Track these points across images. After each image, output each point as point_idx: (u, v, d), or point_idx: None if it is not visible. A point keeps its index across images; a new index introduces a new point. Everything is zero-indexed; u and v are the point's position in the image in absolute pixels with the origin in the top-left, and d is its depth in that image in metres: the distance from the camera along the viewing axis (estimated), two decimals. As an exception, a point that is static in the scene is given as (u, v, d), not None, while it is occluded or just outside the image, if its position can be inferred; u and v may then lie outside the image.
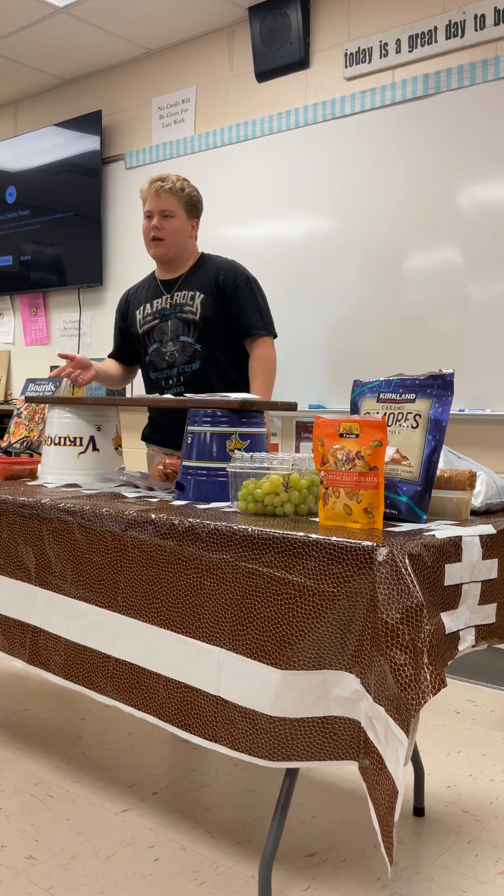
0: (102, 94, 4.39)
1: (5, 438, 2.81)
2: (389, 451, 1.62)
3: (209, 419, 1.90)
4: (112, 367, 2.90)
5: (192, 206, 2.73)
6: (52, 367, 4.62)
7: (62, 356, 2.66)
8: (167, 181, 2.67)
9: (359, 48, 3.38)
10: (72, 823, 1.95)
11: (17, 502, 1.94)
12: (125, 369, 2.95)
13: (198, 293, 2.66)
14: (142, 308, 2.77)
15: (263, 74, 3.68)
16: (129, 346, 2.86)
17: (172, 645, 1.62)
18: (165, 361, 2.68)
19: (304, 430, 3.61)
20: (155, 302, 2.74)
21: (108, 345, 4.37)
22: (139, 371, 2.92)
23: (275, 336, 2.71)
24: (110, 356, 2.97)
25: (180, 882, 1.71)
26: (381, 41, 3.31)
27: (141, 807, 2.04)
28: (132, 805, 2.05)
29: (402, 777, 1.30)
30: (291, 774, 1.56)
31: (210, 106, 3.93)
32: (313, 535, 1.44)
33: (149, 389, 2.79)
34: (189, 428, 1.94)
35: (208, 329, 2.63)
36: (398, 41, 3.26)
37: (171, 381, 2.68)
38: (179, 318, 2.67)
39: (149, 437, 2.82)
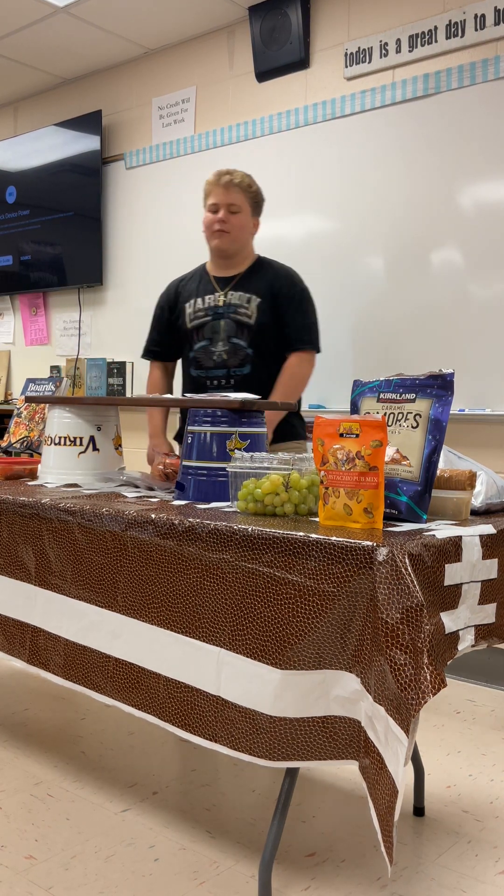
0: (102, 93, 4.39)
1: (5, 438, 2.81)
2: (389, 451, 1.62)
3: (209, 419, 1.90)
4: (161, 384, 2.85)
5: (257, 203, 2.71)
6: (52, 367, 4.62)
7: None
8: (235, 175, 2.64)
9: (359, 48, 3.38)
10: (72, 823, 1.95)
11: (17, 502, 1.94)
12: (169, 373, 2.89)
13: (254, 297, 2.62)
14: (192, 302, 2.71)
15: (263, 74, 3.68)
16: (171, 341, 2.80)
17: (172, 645, 1.62)
18: (213, 361, 2.64)
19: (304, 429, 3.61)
20: (207, 298, 2.69)
21: (108, 345, 4.39)
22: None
23: (318, 351, 2.68)
24: (149, 354, 2.88)
25: (180, 882, 1.71)
26: (381, 41, 3.31)
27: (141, 806, 2.04)
28: (132, 805, 2.05)
29: (403, 777, 1.30)
30: (291, 774, 1.56)
31: (210, 106, 3.93)
32: (313, 535, 1.44)
33: (188, 386, 2.74)
34: (189, 428, 1.94)
35: (262, 334, 2.60)
36: (398, 41, 3.26)
37: (217, 382, 2.64)
38: (233, 319, 2.63)
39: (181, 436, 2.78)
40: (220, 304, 2.65)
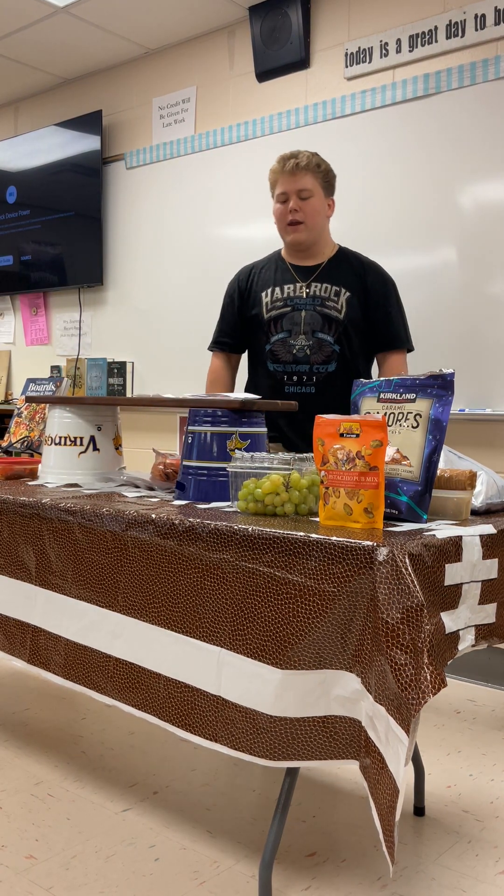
0: (103, 93, 4.39)
1: (6, 438, 2.81)
2: (390, 451, 1.62)
3: (209, 419, 1.90)
4: (224, 376, 2.67)
5: (329, 182, 2.48)
6: (53, 367, 4.62)
7: None
8: (301, 157, 2.40)
9: (359, 48, 3.38)
10: (72, 823, 1.95)
11: (18, 502, 1.94)
12: (232, 366, 2.69)
13: (343, 290, 2.43)
14: (269, 291, 2.51)
15: (264, 74, 3.68)
16: (241, 332, 2.60)
17: (173, 644, 1.63)
18: (292, 355, 2.46)
19: (304, 429, 3.61)
20: (286, 287, 2.49)
21: (109, 344, 4.40)
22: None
23: (411, 349, 2.52)
24: (218, 346, 2.70)
25: (181, 881, 1.71)
26: (381, 41, 3.31)
27: (141, 806, 2.04)
28: (132, 804, 2.05)
29: (403, 776, 1.30)
30: (292, 774, 1.56)
31: (210, 106, 3.93)
32: (314, 535, 1.44)
33: (263, 381, 2.55)
34: (189, 427, 1.94)
35: (351, 330, 2.42)
36: (398, 41, 3.26)
37: (298, 379, 2.46)
38: (319, 312, 2.43)
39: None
40: (303, 295, 2.45)
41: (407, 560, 1.35)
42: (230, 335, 2.66)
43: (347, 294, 2.42)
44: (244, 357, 2.74)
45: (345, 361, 2.45)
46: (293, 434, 2.51)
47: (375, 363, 2.61)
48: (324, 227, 2.48)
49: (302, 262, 2.49)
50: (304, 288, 2.45)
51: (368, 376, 2.47)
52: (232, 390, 2.72)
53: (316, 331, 2.42)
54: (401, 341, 2.48)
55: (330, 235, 2.54)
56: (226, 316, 2.67)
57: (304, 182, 2.40)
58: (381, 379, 1.75)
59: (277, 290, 2.49)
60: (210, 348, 2.74)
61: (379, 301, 2.46)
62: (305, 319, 2.43)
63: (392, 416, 1.67)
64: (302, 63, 3.55)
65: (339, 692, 1.43)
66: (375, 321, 2.44)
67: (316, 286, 2.43)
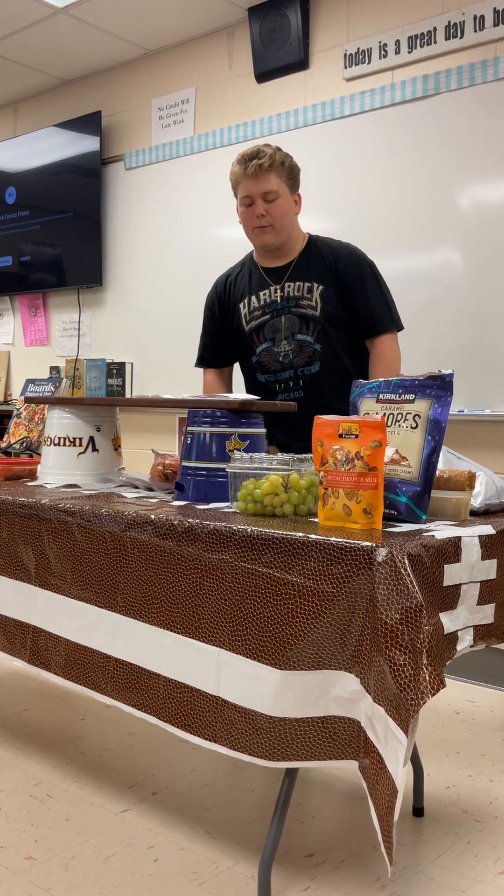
0: (102, 94, 4.39)
1: (5, 439, 2.81)
2: (389, 452, 1.63)
3: (208, 419, 1.90)
4: (217, 389, 2.58)
5: (294, 178, 2.35)
6: (52, 368, 4.62)
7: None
8: (264, 157, 2.27)
9: (358, 49, 3.38)
10: (71, 824, 1.95)
11: (17, 503, 1.94)
12: (224, 378, 2.61)
13: (315, 284, 2.31)
14: (246, 301, 2.41)
15: (263, 75, 3.68)
16: (226, 346, 2.52)
17: (172, 645, 1.63)
18: (278, 363, 2.37)
19: (303, 430, 3.61)
20: (261, 294, 2.39)
21: (108, 345, 4.40)
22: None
23: (401, 329, 2.37)
24: (202, 362, 2.63)
25: (180, 882, 1.71)
26: (380, 42, 3.32)
27: (140, 807, 2.04)
28: (132, 805, 2.05)
29: (402, 777, 1.30)
30: (291, 774, 1.56)
31: (210, 106, 3.93)
32: (313, 536, 1.44)
33: (258, 393, 2.48)
34: (188, 428, 1.94)
35: (330, 326, 2.31)
36: (397, 42, 3.27)
37: (285, 385, 2.38)
38: (295, 314, 2.34)
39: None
40: (278, 299, 2.35)
41: (406, 561, 1.36)
42: (214, 350, 2.58)
43: (321, 288, 2.30)
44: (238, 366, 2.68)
45: (328, 359, 2.34)
46: (291, 441, 2.43)
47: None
48: (293, 225, 2.36)
49: (273, 264, 2.39)
50: (277, 291, 2.35)
51: (360, 371, 2.38)
52: (225, 388, 2.67)
53: (295, 333, 2.33)
54: (385, 324, 2.32)
55: (299, 228, 2.41)
56: (208, 329, 2.58)
57: (269, 184, 2.28)
58: (381, 380, 1.75)
59: (254, 298, 2.41)
60: (197, 364, 2.67)
61: (354, 285, 2.31)
62: (285, 324, 2.34)
63: (391, 416, 1.67)
64: (301, 64, 3.55)
65: (338, 693, 1.43)
66: (354, 308, 2.31)
67: (289, 286, 2.33)
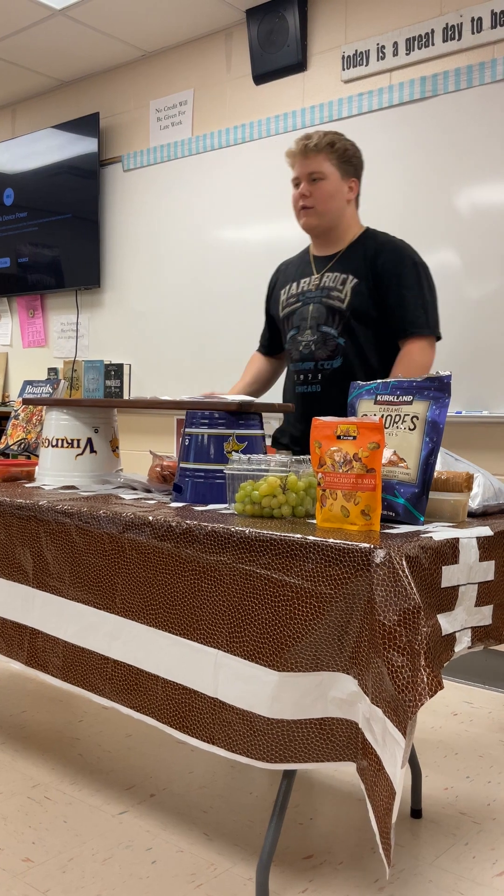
0: (100, 96, 4.39)
1: (3, 440, 2.81)
2: (387, 453, 1.63)
3: (206, 421, 1.90)
4: (257, 372, 2.54)
5: (347, 161, 2.28)
6: (50, 369, 4.62)
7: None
8: (313, 138, 2.24)
9: (356, 51, 3.39)
10: (69, 826, 1.95)
11: (15, 504, 1.94)
12: (272, 364, 2.57)
13: (350, 277, 2.24)
14: (287, 287, 2.40)
15: (261, 77, 3.68)
16: (275, 331, 2.50)
17: (170, 647, 1.63)
18: (299, 352, 2.33)
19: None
20: (302, 281, 2.35)
21: (106, 347, 4.40)
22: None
23: (438, 337, 2.27)
24: (260, 349, 2.62)
25: (178, 884, 1.71)
26: (378, 44, 3.32)
27: (138, 809, 2.04)
28: (130, 807, 2.04)
29: (400, 778, 1.30)
30: (289, 776, 1.56)
31: (208, 108, 3.94)
32: (311, 537, 1.44)
33: (287, 382, 2.45)
34: (186, 429, 1.94)
35: (357, 321, 2.22)
36: (395, 44, 3.27)
37: (304, 377, 2.33)
38: (324, 304, 2.27)
39: (278, 440, 2.51)
40: (313, 287, 2.30)
41: (404, 562, 1.36)
42: (265, 336, 2.57)
43: (355, 281, 2.23)
44: None
45: (351, 355, 2.26)
46: (304, 437, 2.38)
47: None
48: (341, 211, 2.29)
49: (321, 252, 2.34)
50: (315, 280, 2.30)
51: (386, 373, 2.28)
52: (262, 380, 2.58)
53: (321, 324, 2.27)
54: (417, 326, 2.21)
55: (354, 217, 2.34)
56: (266, 317, 2.57)
57: (315, 164, 2.24)
58: (379, 381, 1.75)
59: (294, 285, 2.37)
60: (257, 350, 2.66)
61: (391, 282, 2.22)
62: (312, 313, 2.29)
63: (389, 418, 1.67)
64: (299, 66, 3.56)
65: (335, 694, 1.43)
66: (387, 306, 2.21)
67: (327, 276, 2.27)
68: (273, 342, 2.55)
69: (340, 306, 2.24)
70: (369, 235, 2.33)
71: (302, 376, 2.32)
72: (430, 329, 2.23)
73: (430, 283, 2.28)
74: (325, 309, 2.27)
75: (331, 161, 2.25)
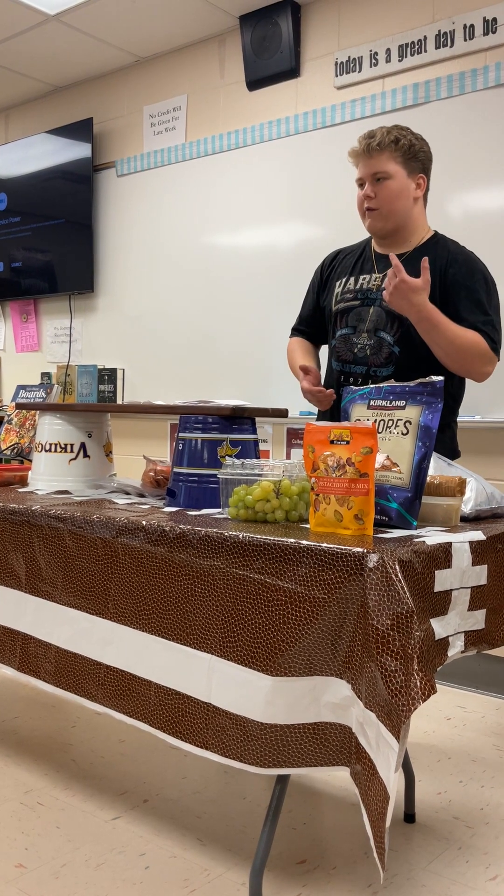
0: (94, 101, 4.40)
1: (-4, 445, 2.81)
2: (380, 458, 1.63)
3: (200, 425, 1.91)
4: (302, 348, 2.41)
5: (413, 157, 2.19)
6: (43, 374, 4.62)
7: (304, 368, 2.20)
8: (376, 135, 2.15)
9: (349, 57, 3.40)
10: (62, 831, 1.94)
11: (8, 509, 1.94)
12: (317, 354, 2.45)
13: None
14: (344, 280, 2.29)
15: (254, 83, 3.70)
16: (320, 320, 2.39)
17: (163, 652, 1.62)
18: (353, 354, 2.22)
19: (294, 436, 3.62)
20: (362, 278, 2.25)
21: (99, 351, 4.40)
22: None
23: (498, 356, 2.14)
24: (296, 331, 2.49)
25: (171, 890, 1.71)
26: (371, 50, 3.34)
27: (131, 814, 2.03)
28: (123, 812, 2.04)
29: (394, 783, 1.30)
30: (282, 781, 1.56)
31: (201, 114, 3.94)
32: (304, 542, 1.44)
33: (328, 378, 2.34)
34: (180, 434, 1.94)
35: (415, 330, 2.10)
36: (388, 50, 3.28)
37: (353, 381, 2.23)
38: (384, 308, 2.17)
39: None
40: (374, 287, 2.20)
41: (397, 566, 1.36)
42: (307, 323, 2.45)
43: None
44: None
45: (405, 366, 2.16)
46: None
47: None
48: (407, 211, 2.20)
49: (387, 250, 2.23)
50: (377, 279, 2.19)
51: (446, 384, 2.15)
52: (312, 354, 2.45)
53: (379, 329, 2.17)
54: (484, 335, 2.10)
55: (423, 218, 2.27)
56: (306, 302, 2.45)
57: (379, 164, 2.15)
58: (371, 386, 1.76)
59: (352, 280, 2.26)
60: (291, 335, 2.52)
61: (460, 293, 2.13)
62: (371, 316, 2.19)
63: (382, 422, 1.68)
64: (292, 72, 3.57)
65: (329, 699, 1.43)
66: (453, 317, 2.09)
67: (387, 280, 2.11)
68: (319, 333, 2.43)
69: (401, 313, 2.12)
70: (440, 241, 2.25)
71: (351, 379, 2.25)
72: (493, 344, 2.12)
73: (497, 303, 2.19)
74: (384, 313, 2.18)
75: (395, 159, 2.16)
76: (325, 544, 1.42)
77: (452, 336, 2.07)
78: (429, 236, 2.26)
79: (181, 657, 1.59)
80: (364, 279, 2.25)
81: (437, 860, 1.84)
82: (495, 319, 2.16)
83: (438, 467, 1.80)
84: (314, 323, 2.43)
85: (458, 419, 2.35)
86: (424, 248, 2.21)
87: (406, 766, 2.05)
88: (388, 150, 2.16)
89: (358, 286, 2.25)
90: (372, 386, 1.75)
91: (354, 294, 2.25)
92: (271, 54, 3.59)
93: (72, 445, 2.21)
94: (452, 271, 2.16)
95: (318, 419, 2.42)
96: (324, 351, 2.49)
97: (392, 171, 2.16)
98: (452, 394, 2.25)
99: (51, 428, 2.22)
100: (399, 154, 2.16)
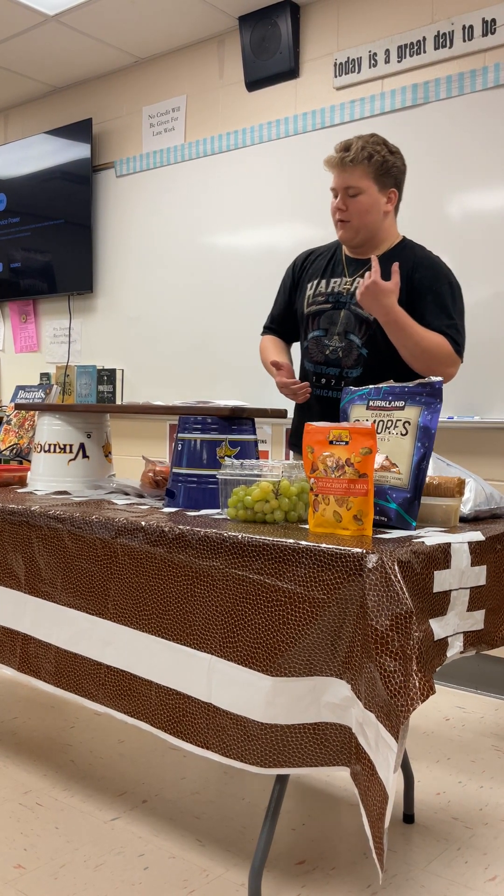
0: (93, 102, 4.40)
1: (-5, 445, 2.81)
2: (379, 459, 1.63)
3: (199, 426, 1.91)
4: (275, 344, 2.47)
5: (385, 172, 2.24)
6: (43, 374, 4.62)
7: (275, 364, 2.27)
8: (351, 150, 2.20)
9: (348, 58, 3.40)
10: (61, 832, 1.94)
11: (7, 509, 1.94)
12: (288, 348, 2.50)
13: None
14: (316, 282, 2.35)
15: (253, 83, 3.70)
16: (291, 319, 2.46)
17: (163, 652, 1.62)
18: (324, 356, 2.30)
19: (293, 437, 3.62)
20: (332, 281, 2.32)
21: (99, 352, 4.40)
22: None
23: (461, 359, 2.25)
24: (267, 329, 2.56)
25: (170, 890, 1.71)
26: (370, 51, 3.34)
27: (131, 815, 2.03)
28: (122, 813, 2.04)
29: (393, 783, 1.30)
30: (281, 781, 1.56)
31: (200, 114, 3.95)
32: (303, 542, 1.44)
33: (301, 378, 2.40)
34: (179, 435, 1.94)
35: (382, 334, 2.20)
36: (387, 51, 3.29)
37: (326, 382, 2.31)
38: (353, 312, 2.25)
39: (292, 443, 2.50)
40: (345, 291, 2.27)
41: (396, 567, 1.36)
42: (279, 322, 2.51)
43: None
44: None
45: (373, 367, 2.25)
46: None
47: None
48: (378, 224, 2.27)
49: (356, 255, 2.32)
50: (347, 283, 2.27)
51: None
52: (285, 350, 2.50)
53: (349, 332, 2.25)
54: (448, 338, 2.20)
55: (393, 227, 2.33)
56: (278, 301, 2.52)
57: (352, 178, 2.21)
58: (370, 387, 1.76)
59: (323, 283, 2.33)
60: (262, 333, 2.59)
61: (426, 297, 2.21)
62: (342, 319, 2.27)
63: (381, 423, 1.68)
64: (291, 73, 3.57)
65: (329, 699, 1.43)
66: (420, 321, 2.18)
67: (360, 281, 2.22)
68: (291, 331, 2.49)
69: (368, 316, 2.22)
70: (407, 247, 2.32)
71: (324, 380, 2.32)
72: (458, 347, 2.22)
73: (462, 308, 2.28)
74: (353, 317, 2.26)
75: (368, 175, 2.22)
76: (324, 545, 1.42)
77: (419, 338, 2.16)
78: (397, 242, 2.33)
79: (181, 657, 1.59)
80: (335, 282, 2.32)
81: (436, 861, 1.84)
82: (459, 323, 2.24)
83: (437, 468, 1.80)
84: (285, 321, 2.50)
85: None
86: (392, 253, 2.29)
87: (405, 767, 2.06)
88: (362, 166, 2.21)
89: (329, 289, 2.32)
90: (371, 387, 1.76)
91: (326, 297, 2.32)
92: (270, 55, 3.60)
93: (71, 446, 2.21)
94: (419, 276, 2.23)
95: (295, 414, 2.47)
96: (296, 350, 2.54)
97: (364, 187, 2.22)
98: None
99: (50, 428, 2.22)
100: (372, 170, 2.22)
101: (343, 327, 2.27)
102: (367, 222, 2.26)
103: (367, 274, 2.11)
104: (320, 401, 2.38)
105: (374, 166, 2.21)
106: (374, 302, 2.11)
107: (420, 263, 2.26)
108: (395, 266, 2.11)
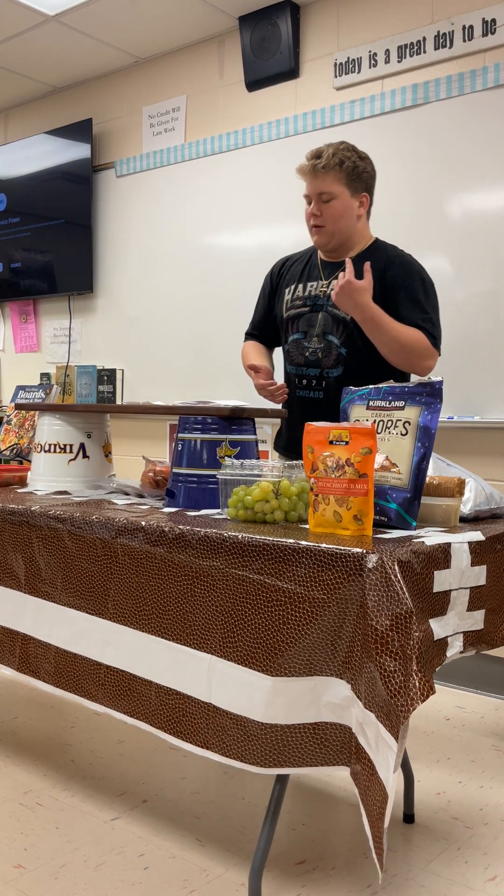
0: (93, 102, 4.40)
1: (-5, 445, 2.81)
2: (379, 459, 1.63)
3: (199, 426, 1.91)
4: (256, 349, 2.54)
5: (357, 178, 2.31)
6: (42, 374, 4.61)
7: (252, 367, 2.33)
8: (323, 157, 2.27)
9: (348, 58, 3.40)
10: (61, 832, 1.94)
11: (7, 509, 1.94)
12: (269, 353, 2.58)
13: None
14: (293, 287, 2.42)
15: (254, 84, 3.70)
16: (272, 325, 2.52)
17: (163, 652, 1.63)
18: (305, 358, 2.36)
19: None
20: (309, 285, 2.38)
21: (99, 352, 4.40)
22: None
23: (438, 351, 2.29)
24: (249, 335, 2.62)
25: (170, 890, 1.71)
26: (370, 51, 3.34)
27: (131, 815, 2.03)
28: (122, 813, 2.04)
29: (393, 783, 1.30)
30: (281, 781, 1.56)
31: (200, 114, 3.95)
32: (303, 542, 1.44)
33: (284, 381, 2.46)
34: (179, 435, 1.94)
35: (359, 332, 2.26)
36: (387, 51, 3.29)
37: (307, 382, 2.36)
38: (330, 314, 2.31)
39: (277, 444, 2.57)
40: (321, 294, 2.34)
41: (396, 567, 1.36)
42: (260, 327, 2.58)
43: None
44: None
45: (353, 366, 2.30)
46: (289, 432, 2.44)
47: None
48: (351, 228, 2.34)
49: (331, 258, 2.39)
50: (323, 286, 2.34)
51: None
52: (265, 355, 2.57)
53: (327, 333, 2.31)
54: (425, 332, 2.24)
55: (366, 230, 2.40)
56: (258, 307, 2.59)
57: (324, 184, 2.28)
58: (370, 387, 1.76)
59: (300, 287, 2.40)
60: (245, 339, 2.66)
61: (399, 293, 2.26)
62: (320, 321, 2.33)
63: (381, 423, 1.68)
64: (291, 73, 3.57)
65: (329, 699, 1.43)
66: (395, 317, 2.23)
67: (335, 283, 2.25)
68: (271, 336, 2.56)
69: (345, 316, 2.28)
70: (379, 247, 2.38)
71: (305, 381, 2.37)
72: (434, 340, 2.26)
73: (436, 302, 2.32)
74: (330, 318, 2.32)
75: (340, 180, 2.29)
76: (324, 545, 1.42)
77: (396, 334, 2.21)
78: (370, 243, 2.40)
79: (181, 657, 1.59)
80: (312, 286, 2.39)
81: (436, 860, 1.84)
82: (434, 317, 2.29)
83: (437, 468, 1.80)
84: (266, 327, 2.57)
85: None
86: (365, 253, 2.35)
87: (405, 767, 2.06)
88: (333, 172, 2.28)
89: (306, 293, 2.39)
90: (371, 387, 1.76)
91: (304, 301, 2.38)
92: (270, 55, 3.60)
93: (71, 446, 2.21)
94: (391, 273, 2.28)
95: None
96: (278, 354, 2.60)
97: (337, 192, 2.29)
98: None
99: (50, 428, 2.22)
100: (343, 175, 2.29)
101: (321, 329, 2.33)
102: (341, 226, 2.33)
103: (340, 274, 2.18)
104: (302, 401, 2.42)
105: (345, 172, 2.28)
106: (349, 301, 2.17)
107: (392, 261, 2.31)
108: (367, 265, 2.18)
